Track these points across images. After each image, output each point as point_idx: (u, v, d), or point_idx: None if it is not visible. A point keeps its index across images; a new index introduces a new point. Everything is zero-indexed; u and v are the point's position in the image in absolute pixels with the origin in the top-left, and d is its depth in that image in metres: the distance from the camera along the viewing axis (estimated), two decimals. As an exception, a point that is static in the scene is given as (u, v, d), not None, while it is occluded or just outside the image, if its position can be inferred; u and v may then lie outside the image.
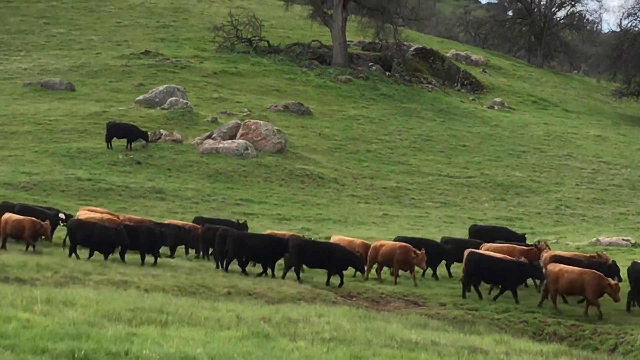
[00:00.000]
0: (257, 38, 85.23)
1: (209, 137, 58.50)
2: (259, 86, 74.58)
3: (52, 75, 71.05)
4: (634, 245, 41.64)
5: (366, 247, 33.35)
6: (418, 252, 32.01)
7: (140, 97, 65.34)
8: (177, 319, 19.00)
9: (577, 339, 27.02)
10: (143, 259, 31.89)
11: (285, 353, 16.47)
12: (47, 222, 33.26)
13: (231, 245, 31.72)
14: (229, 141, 57.63)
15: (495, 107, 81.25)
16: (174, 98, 64.18)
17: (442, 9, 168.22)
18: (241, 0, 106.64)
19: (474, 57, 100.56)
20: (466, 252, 31.30)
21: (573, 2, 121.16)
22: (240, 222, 38.56)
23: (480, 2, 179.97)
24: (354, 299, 29.20)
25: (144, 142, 56.10)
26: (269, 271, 31.98)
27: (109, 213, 36.74)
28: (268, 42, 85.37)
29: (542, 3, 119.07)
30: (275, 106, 68.61)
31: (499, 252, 32.59)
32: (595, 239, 42.59)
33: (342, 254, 31.49)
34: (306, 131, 64.61)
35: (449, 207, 53.35)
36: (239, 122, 60.72)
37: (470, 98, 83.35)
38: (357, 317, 23.37)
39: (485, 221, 49.78)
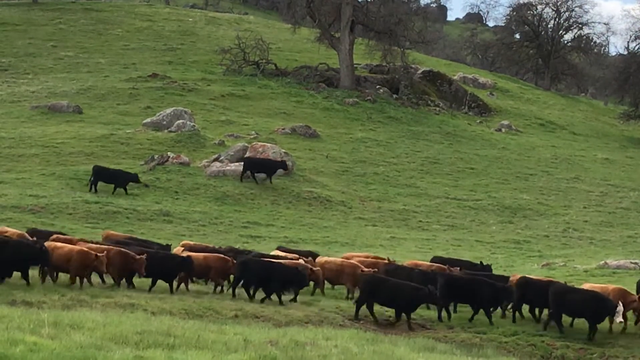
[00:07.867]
0: (264, 61, 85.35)
1: (217, 159, 58.48)
2: (266, 109, 74.64)
3: (59, 98, 71.12)
4: (642, 268, 41.52)
5: (623, 294, 28.73)
6: None
7: (148, 120, 65.32)
8: (184, 342, 18.94)
9: (585, 362, 26.87)
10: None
11: (293, 377, 16.44)
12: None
13: (554, 300, 28.36)
14: (237, 164, 57.57)
15: (503, 130, 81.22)
16: (181, 121, 64.15)
17: (449, 31, 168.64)
18: (248, 23, 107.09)
19: (481, 79, 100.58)
20: None
21: (580, 25, 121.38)
22: (484, 264, 35.61)
23: (487, 25, 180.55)
24: (361, 321, 29.06)
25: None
26: None
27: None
28: (275, 65, 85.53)
29: (549, 26, 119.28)
30: (283, 129, 68.60)
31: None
32: (603, 262, 42.42)
33: None
34: (313, 154, 64.60)
35: (456, 230, 53.26)
36: (246, 144, 60.71)
37: (478, 121, 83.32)
38: (365, 340, 23.27)
39: (493, 244, 49.73)
